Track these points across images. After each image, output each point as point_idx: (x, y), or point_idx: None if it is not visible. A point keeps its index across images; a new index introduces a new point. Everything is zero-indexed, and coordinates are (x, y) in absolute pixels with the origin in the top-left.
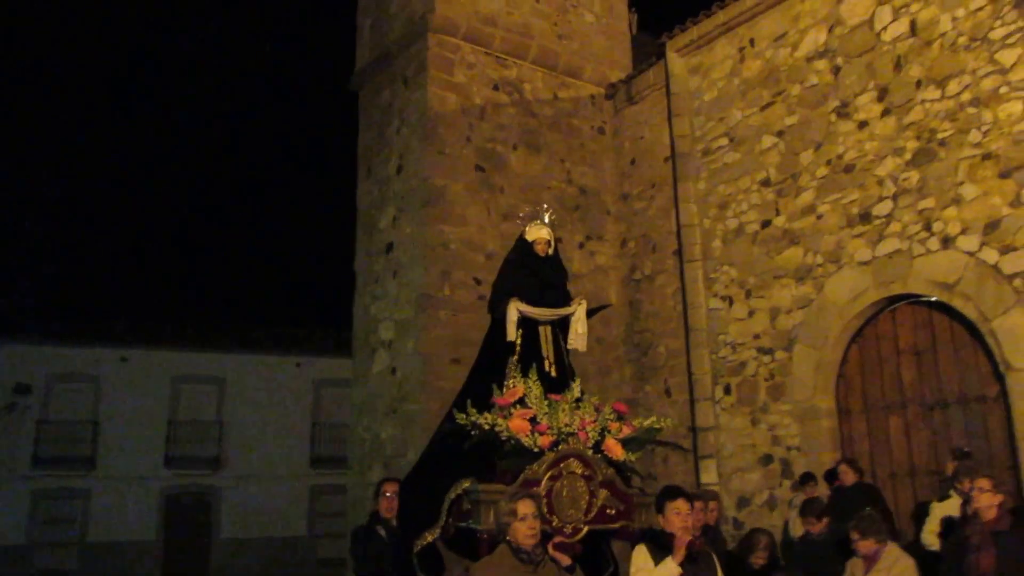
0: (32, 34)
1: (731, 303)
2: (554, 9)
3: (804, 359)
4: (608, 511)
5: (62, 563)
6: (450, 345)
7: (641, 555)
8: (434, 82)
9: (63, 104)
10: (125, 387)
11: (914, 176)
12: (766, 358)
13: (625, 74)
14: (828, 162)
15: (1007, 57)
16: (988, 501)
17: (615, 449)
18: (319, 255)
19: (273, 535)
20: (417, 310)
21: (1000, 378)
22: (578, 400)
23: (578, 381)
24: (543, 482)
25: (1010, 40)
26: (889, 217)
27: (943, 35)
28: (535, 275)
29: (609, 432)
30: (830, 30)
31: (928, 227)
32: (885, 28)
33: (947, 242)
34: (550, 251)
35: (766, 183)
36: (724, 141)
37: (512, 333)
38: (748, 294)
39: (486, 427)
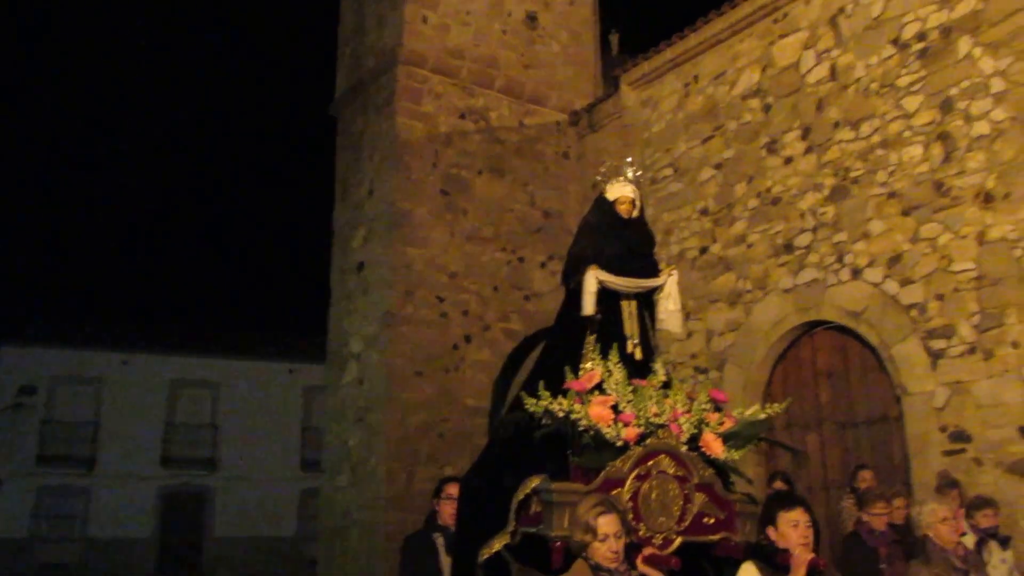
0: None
1: None
2: (521, 40)
3: (734, 378)
4: (706, 520)
5: (63, 557)
6: (413, 360)
7: (749, 575)
8: (402, 112)
9: (69, 112)
10: (125, 389)
11: (830, 211)
12: (702, 376)
13: (589, 101)
14: (758, 194)
15: (911, 103)
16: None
17: (714, 446)
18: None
19: (264, 535)
20: (383, 326)
21: (898, 400)
22: (665, 385)
23: (663, 364)
24: (628, 482)
25: (914, 88)
26: (808, 248)
27: (858, 80)
28: (618, 240)
29: (707, 425)
30: (763, 71)
31: (841, 259)
32: (809, 71)
33: (856, 273)
34: (635, 212)
35: (705, 212)
36: (669, 171)
37: (590, 306)
38: (688, 316)
39: (560, 415)
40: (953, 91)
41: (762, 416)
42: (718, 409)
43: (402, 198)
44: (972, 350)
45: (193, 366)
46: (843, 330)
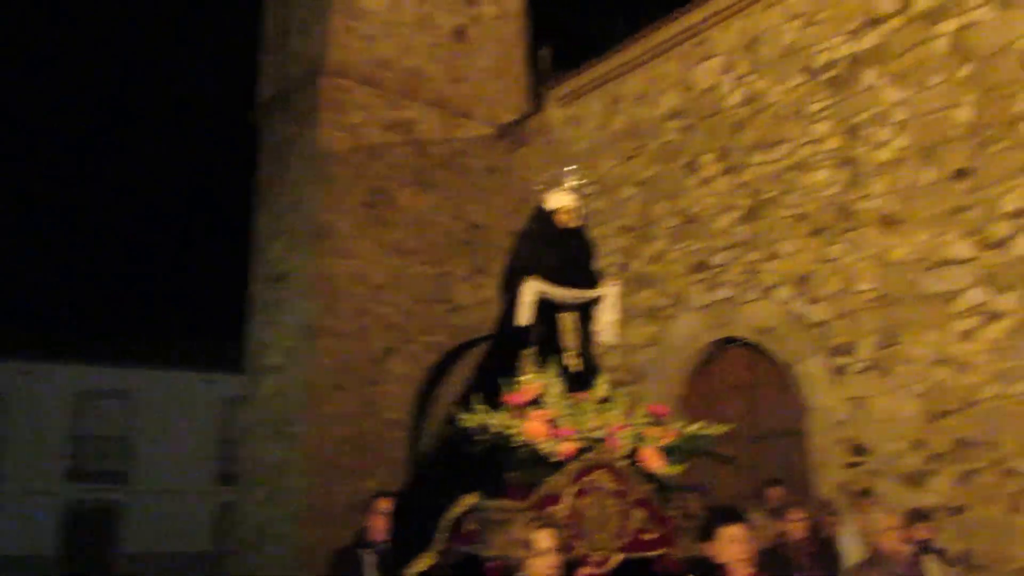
0: None
1: None
2: (449, 53)
3: (652, 393)
4: (644, 536)
5: None
6: (333, 373)
7: None
8: (327, 122)
9: None
10: (28, 401)
11: (744, 230)
12: (622, 390)
13: (518, 115)
14: (677, 213)
15: (820, 129)
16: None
17: (654, 460)
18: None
19: (178, 550)
20: (303, 338)
21: (804, 415)
22: (605, 399)
23: (604, 377)
24: (565, 499)
25: (823, 114)
26: (722, 267)
27: (772, 105)
28: (558, 250)
29: (647, 439)
30: (683, 93)
31: (753, 277)
32: (727, 95)
33: (767, 292)
34: (576, 223)
35: (626, 229)
36: (592, 188)
37: (527, 317)
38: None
39: (496, 430)
40: (859, 118)
41: (706, 431)
42: (659, 423)
43: (325, 209)
44: (871, 367)
45: (103, 376)
46: (754, 346)
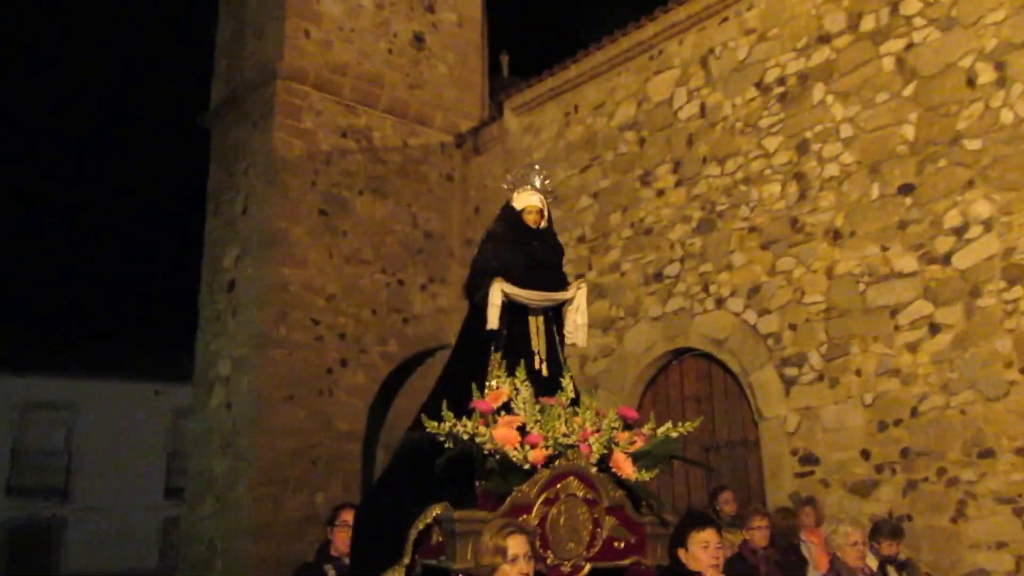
0: None
1: None
2: (407, 60)
3: (606, 403)
4: (615, 544)
5: None
6: (284, 384)
7: None
8: (281, 128)
9: None
10: None
11: (697, 242)
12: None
13: (475, 123)
14: (632, 224)
15: (771, 144)
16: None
17: (625, 466)
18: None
19: (123, 568)
20: (254, 348)
21: (756, 424)
22: (574, 403)
23: (572, 380)
24: (536, 507)
25: (773, 129)
26: (677, 278)
27: (725, 119)
28: (525, 251)
29: (617, 445)
30: (639, 104)
31: (706, 288)
32: (681, 108)
33: (720, 303)
34: (543, 223)
35: (582, 240)
36: (549, 198)
37: (495, 320)
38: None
39: (465, 437)
40: (808, 134)
41: (674, 434)
42: (628, 428)
43: (278, 217)
44: (820, 377)
45: (45, 387)
46: (708, 357)
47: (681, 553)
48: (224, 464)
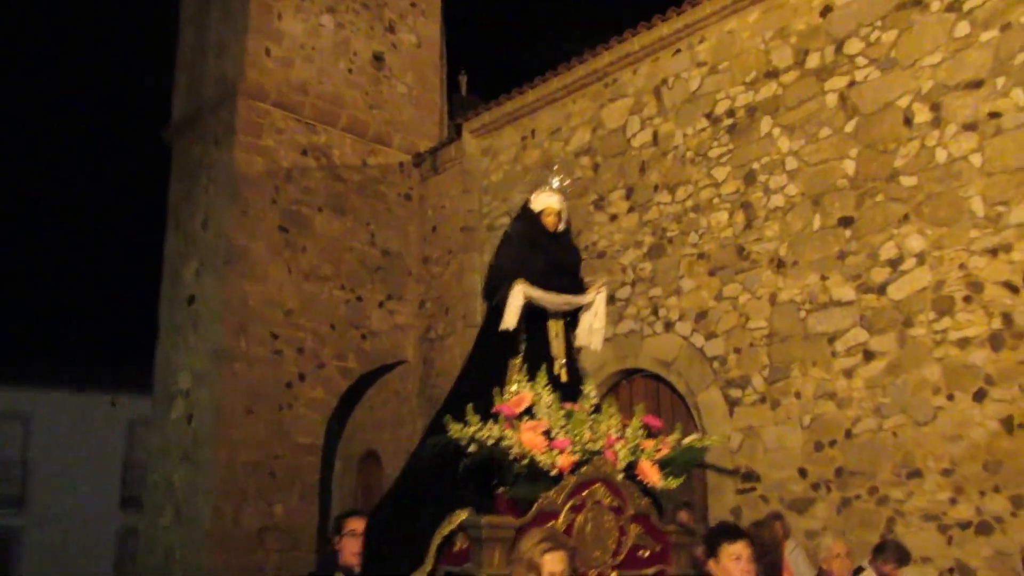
0: None
1: None
2: (366, 79)
3: None
4: (640, 553)
5: None
6: (244, 397)
7: None
8: (241, 145)
9: None
10: None
11: (648, 267)
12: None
13: (434, 143)
14: (585, 248)
15: (720, 173)
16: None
17: (651, 473)
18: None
19: None
20: (213, 362)
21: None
22: (596, 409)
23: (593, 385)
24: (562, 514)
25: (723, 159)
26: (628, 301)
27: (676, 148)
28: (544, 254)
29: (643, 452)
30: (594, 131)
31: (655, 312)
32: (634, 135)
33: (668, 326)
34: (561, 225)
35: None
36: (506, 219)
37: (512, 320)
38: None
39: (490, 442)
40: (755, 165)
41: (702, 443)
42: (651, 436)
43: (238, 232)
44: (762, 399)
45: (0, 397)
46: (656, 378)
47: (712, 565)
48: (183, 475)
